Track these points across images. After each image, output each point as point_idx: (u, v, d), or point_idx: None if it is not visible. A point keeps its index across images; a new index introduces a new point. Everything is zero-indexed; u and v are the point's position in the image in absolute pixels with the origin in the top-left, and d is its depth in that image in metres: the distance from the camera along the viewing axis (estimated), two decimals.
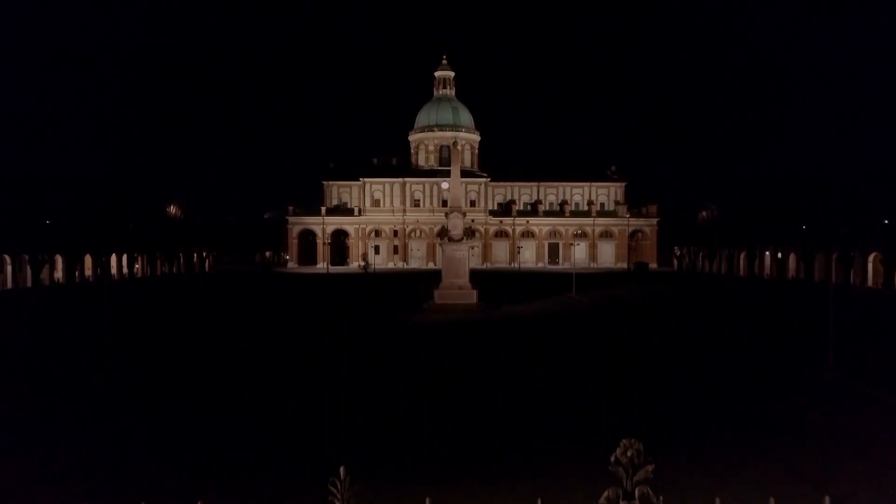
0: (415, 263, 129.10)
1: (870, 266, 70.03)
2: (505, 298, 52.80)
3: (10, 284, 69.90)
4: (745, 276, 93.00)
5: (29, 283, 72.12)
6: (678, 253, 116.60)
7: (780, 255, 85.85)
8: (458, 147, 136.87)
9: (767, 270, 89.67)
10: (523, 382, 21.87)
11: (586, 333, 33.61)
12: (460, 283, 45.02)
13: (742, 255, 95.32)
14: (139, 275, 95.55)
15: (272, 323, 38.54)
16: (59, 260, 78.93)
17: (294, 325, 37.59)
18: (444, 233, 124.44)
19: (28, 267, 72.34)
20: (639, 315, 41.94)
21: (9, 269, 70.32)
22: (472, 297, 44.75)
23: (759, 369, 23.87)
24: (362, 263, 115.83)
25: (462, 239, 45.25)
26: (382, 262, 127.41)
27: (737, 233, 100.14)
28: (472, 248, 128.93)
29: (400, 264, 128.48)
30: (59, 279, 78.81)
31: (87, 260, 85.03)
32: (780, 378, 22.35)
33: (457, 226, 45.40)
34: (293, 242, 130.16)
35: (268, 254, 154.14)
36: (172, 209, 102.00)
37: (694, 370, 23.98)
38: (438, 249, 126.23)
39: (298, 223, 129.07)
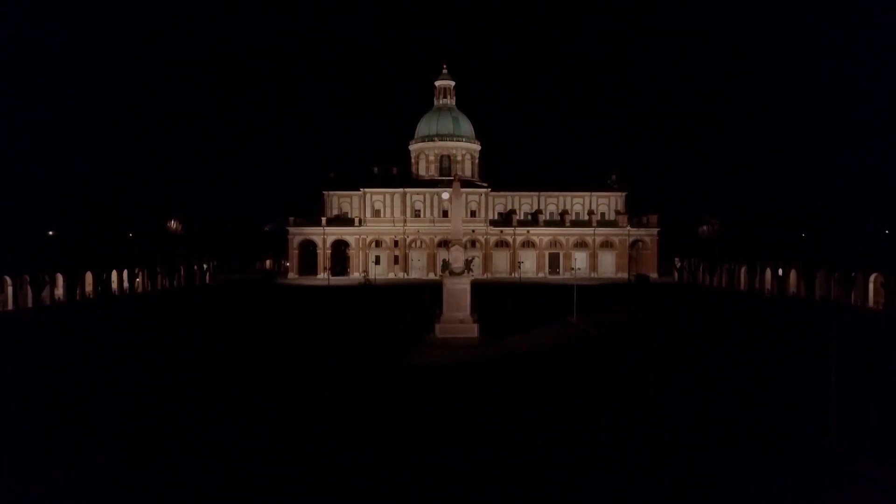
0: (415, 274, 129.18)
1: (871, 286, 69.94)
2: (506, 324, 53.14)
3: (10, 305, 69.84)
4: (745, 290, 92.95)
5: (30, 304, 72.05)
6: (678, 265, 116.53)
7: (780, 271, 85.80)
8: (459, 157, 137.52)
9: (768, 285, 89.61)
10: (524, 453, 21.80)
11: (591, 381, 33.57)
12: (461, 316, 45.05)
13: (743, 270, 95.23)
14: (140, 290, 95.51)
15: (260, 361, 38.61)
16: (59, 278, 78.86)
17: (283, 363, 37.93)
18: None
19: (28, 287, 72.25)
20: (642, 353, 41.84)
21: (9, 290, 70.25)
22: (473, 330, 44.79)
23: (760, 437, 23.78)
24: (363, 280, 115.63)
25: (463, 272, 45.24)
26: (383, 272, 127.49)
27: (737, 246, 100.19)
28: (473, 259, 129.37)
29: (401, 274, 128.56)
30: (59, 297, 78.73)
31: (88, 277, 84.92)
32: (781, 453, 22.18)
33: (458, 259, 45.42)
34: (294, 253, 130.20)
35: (268, 262, 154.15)
36: (173, 224, 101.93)
37: (694, 437, 23.91)
38: (439, 260, 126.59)
39: (299, 233, 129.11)
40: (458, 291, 45.05)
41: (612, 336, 48.08)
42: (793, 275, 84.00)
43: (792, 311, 68.09)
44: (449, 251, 45.78)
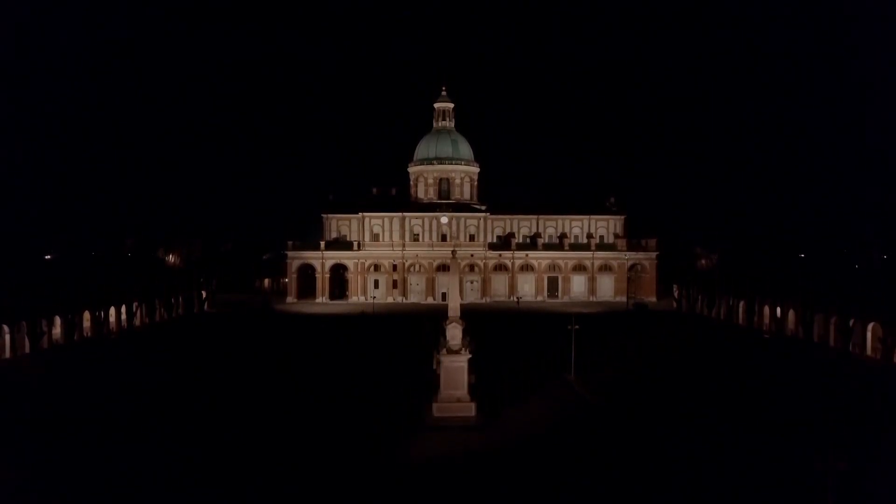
0: (414, 298, 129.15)
1: (868, 335, 69.93)
2: (503, 386, 53.90)
3: (8, 353, 69.65)
4: (744, 325, 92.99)
5: (27, 349, 71.89)
6: (677, 294, 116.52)
7: (779, 310, 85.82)
8: (458, 180, 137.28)
9: (767, 321, 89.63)
10: None
11: (593, 480, 33.60)
12: (459, 394, 45.01)
13: (741, 305, 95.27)
14: (138, 323, 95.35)
15: (239, 445, 38.91)
16: (56, 320, 78.64)
17: (266, 447, 38.40)
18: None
19: (26, 335, 72.08)
20: (647, 434, 41.74)
21: (7, 337, 69.99)
22: (470, 409, 44.77)
23: None
24: (360, 311, 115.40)
25: (460, 350, 45.13)
26: (382, 296, 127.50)
27: (736, 277, 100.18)
28: (472, 283, 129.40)
29: (399, 299, 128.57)
30: (57, 339, 78.55)
31: (86, 315, 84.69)
32: None
33: (455, 336, 45.31)
34: (292, 277, 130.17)
35: (267, 282, 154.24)
36: (171, 258, 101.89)
37: None
38: (438, 284, 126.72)
39: (297, 258, 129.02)
40: (456, 369, 44.96)
41: (613, 408, 47.89)
42: (791, 315, 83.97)
43: (792, 356, 68.57)
44: (446, 328, 45.67)
